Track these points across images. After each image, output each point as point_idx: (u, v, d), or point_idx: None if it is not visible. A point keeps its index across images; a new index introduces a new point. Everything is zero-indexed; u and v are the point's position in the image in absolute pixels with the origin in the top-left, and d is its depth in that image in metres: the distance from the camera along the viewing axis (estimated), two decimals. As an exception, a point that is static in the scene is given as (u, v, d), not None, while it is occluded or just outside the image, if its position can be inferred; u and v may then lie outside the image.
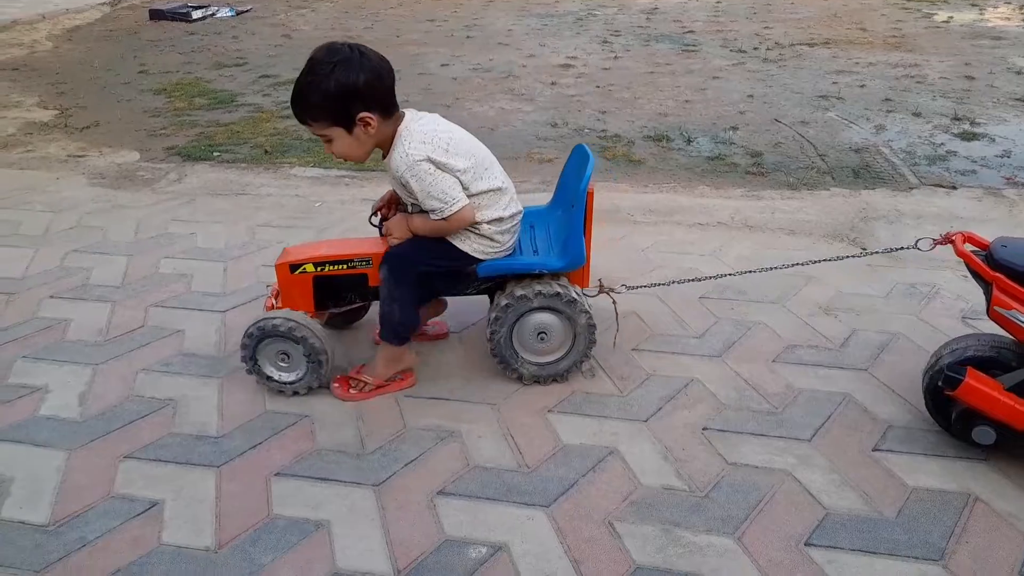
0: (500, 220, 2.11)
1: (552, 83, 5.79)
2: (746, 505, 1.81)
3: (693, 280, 2.47)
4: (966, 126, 4.63)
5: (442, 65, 6.40)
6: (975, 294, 2.18)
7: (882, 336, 2.48)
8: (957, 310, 2.62)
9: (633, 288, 2.40)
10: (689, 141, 4.49)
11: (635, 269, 2.89)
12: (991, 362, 1.90)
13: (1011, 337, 1.88)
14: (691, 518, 1.78)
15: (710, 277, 2.49)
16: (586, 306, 2.17)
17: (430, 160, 1.96)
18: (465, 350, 2.43)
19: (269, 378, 2.18)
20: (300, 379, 2.17)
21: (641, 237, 3.20)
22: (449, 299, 2.49)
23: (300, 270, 2.17)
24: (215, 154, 4.33)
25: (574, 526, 1.76)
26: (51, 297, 2.76)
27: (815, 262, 2.43)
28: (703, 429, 2.07)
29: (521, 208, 2.19)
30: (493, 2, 9.53)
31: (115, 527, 1.76)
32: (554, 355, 2.22)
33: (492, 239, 2.12)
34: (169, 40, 7.54)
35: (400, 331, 2.16)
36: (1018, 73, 5.82)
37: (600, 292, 2.30)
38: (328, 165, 4.11)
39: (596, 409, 2.15)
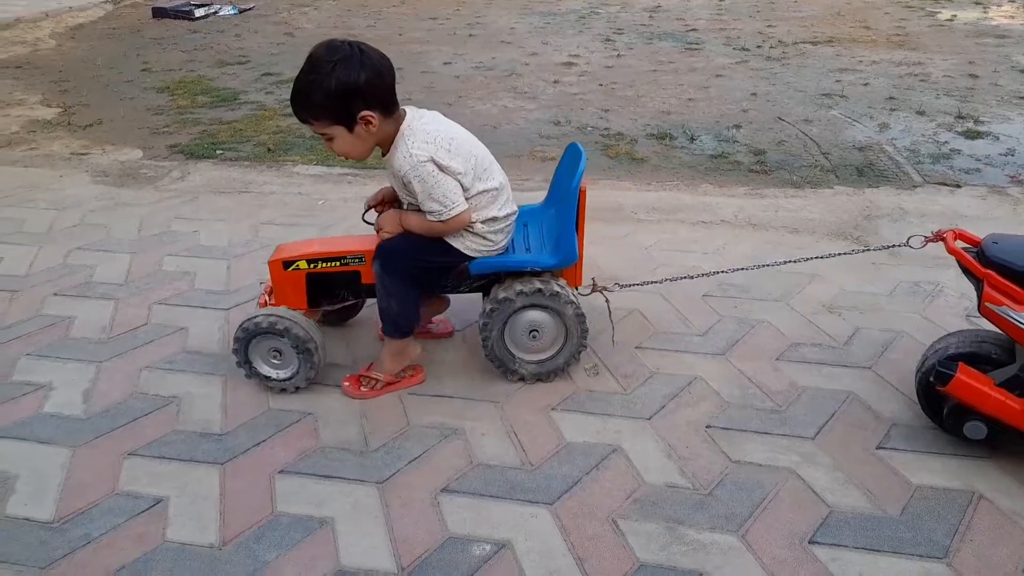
0: (495, 220, 2.11)
1: (555, 81, 5.78)
2: (750, 503, 1.81)
3: (686, 277, 2.47)
4: (970, 124, 4.62)
5: (445, 63, 6.40)
6: (979, 292, 2.18)
7: (886, 334, 2.47)
8: (961, 308, 2.62)
9: (626, 286, 2.40)
10: (692, 139, 4.48)
11: (638, 267, 2.89)
12: (974, 357, 1.91)
13: (993, 331, 1.89)
14: (695, 516, 1.78)
15: (704, 274, 2.49)
16: (571, 297, 2.15)
17: (433, 161, 1.96)
18: (469, 348, 2.43)
19: (267, 378, 2.19)
20: (296, 373, 2.17)
21: (644, 235, 3.20)
22: (452, 297, 2.48)
23: (293, 267, 2.18)
24: (218, 152, 4.34)
25: (578, 524, 1.76)
26: (55, 295, 2.76)
27: (808, 259, 2.44)
28: (707, 427, 2.07)
29: (516, 208, 2.19)
30: (495, 0, 9.52)
31: (119, 524, 1.76)
32: (550, 351, 2.22)
33: (485, 238, 2.12)
34: (172, 38, 7.54)
35: (400, 323, 2.16)
36: (1022, 71, 5.81)
37: (593, 291, 2.30)
38: (331, 163, 4.11)
39: (599, 407, 2.15)
